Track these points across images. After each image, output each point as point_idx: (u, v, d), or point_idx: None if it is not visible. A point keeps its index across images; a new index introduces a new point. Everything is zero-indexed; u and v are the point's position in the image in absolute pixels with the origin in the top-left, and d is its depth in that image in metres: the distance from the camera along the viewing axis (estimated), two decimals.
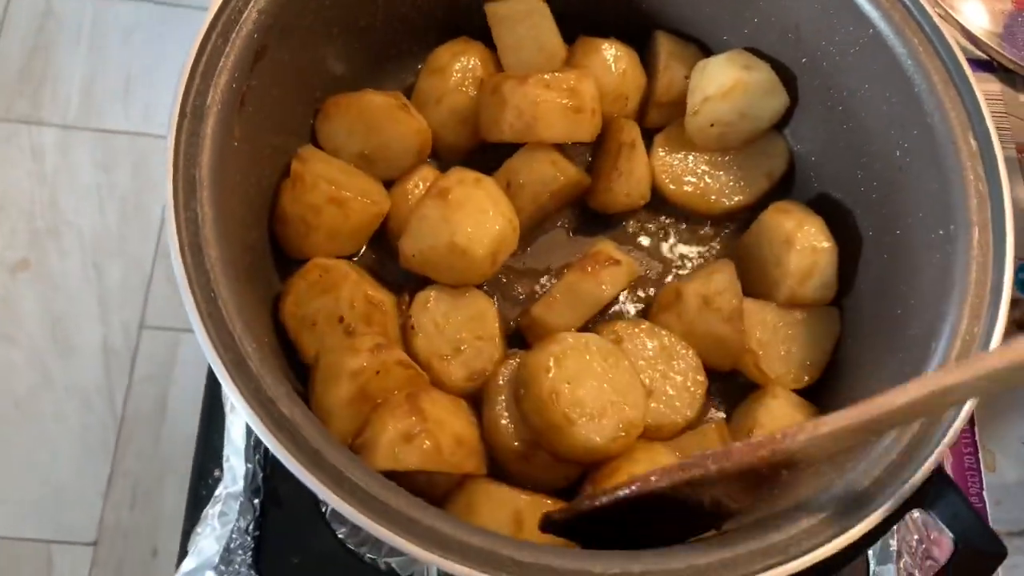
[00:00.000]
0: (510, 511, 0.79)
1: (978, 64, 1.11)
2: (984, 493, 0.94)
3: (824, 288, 0.93)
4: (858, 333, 0.90)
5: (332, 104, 0.94)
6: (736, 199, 1.00)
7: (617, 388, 0.82)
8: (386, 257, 0.97)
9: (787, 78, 0.96)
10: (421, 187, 0.95)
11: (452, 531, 0.65)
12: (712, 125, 0.95)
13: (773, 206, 0.95)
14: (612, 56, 0.99)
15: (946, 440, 0.71)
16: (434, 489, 0.82)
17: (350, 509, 0.64)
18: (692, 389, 0.89)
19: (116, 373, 1.99)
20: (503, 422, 0.85)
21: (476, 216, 0.88)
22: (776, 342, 0.92)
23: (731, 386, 0.95)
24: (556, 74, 0.92)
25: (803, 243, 0.91)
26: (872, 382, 0.84)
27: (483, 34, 1.00)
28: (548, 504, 0.81)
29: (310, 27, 0.86)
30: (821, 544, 0.67)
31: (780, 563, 0.66)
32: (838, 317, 0.94)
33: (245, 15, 0.77)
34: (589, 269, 0.91)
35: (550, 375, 0.80)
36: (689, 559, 0.67)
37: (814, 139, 0.98)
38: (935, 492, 0.71)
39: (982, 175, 0.78)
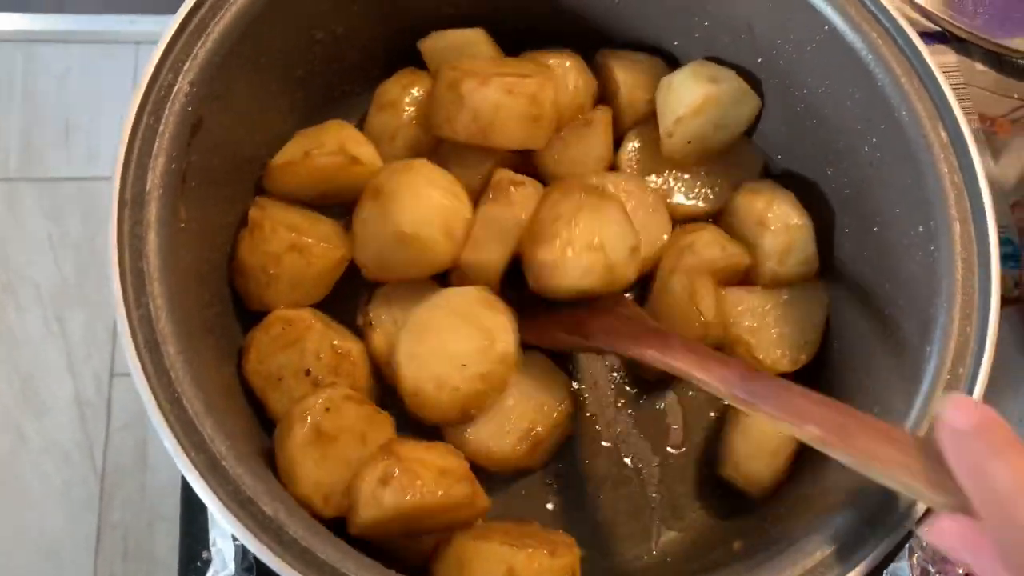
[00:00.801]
0: (504, 568, 0.75)
1: (931, 36, 1.09)
2: None
3: (804, 264, 0.92)
4: (850, 335, 0.88)
5: (277, 169, 0.90)
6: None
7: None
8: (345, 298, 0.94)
9: (749, 80, 0.93)
10: None
11: None
12: (689, 142, 0.93)
13: (743, 187, 0.94)
14: (563, 69, 0.95)
15: None
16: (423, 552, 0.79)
17: None
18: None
19: (92, 425, 1.96)
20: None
21: (413, 200, 0.85)
22: (767, 326, 0.90)
23: None
24: (519, 79, 0.87)
25: (776, 223, 0.90)
26: (868, 383, 0.82)
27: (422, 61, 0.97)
28: (544, 556, 0.78)
29: (247, 88, 0.82)
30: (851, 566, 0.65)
31: None
32: (824, 289, 0.92)
33: (176, 88, 0.73)
34: (496, 196, 0.88)
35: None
36: None
37: (780, 139, 0.95)
38: None
39: (956, 166, 0.76)
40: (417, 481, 0.73)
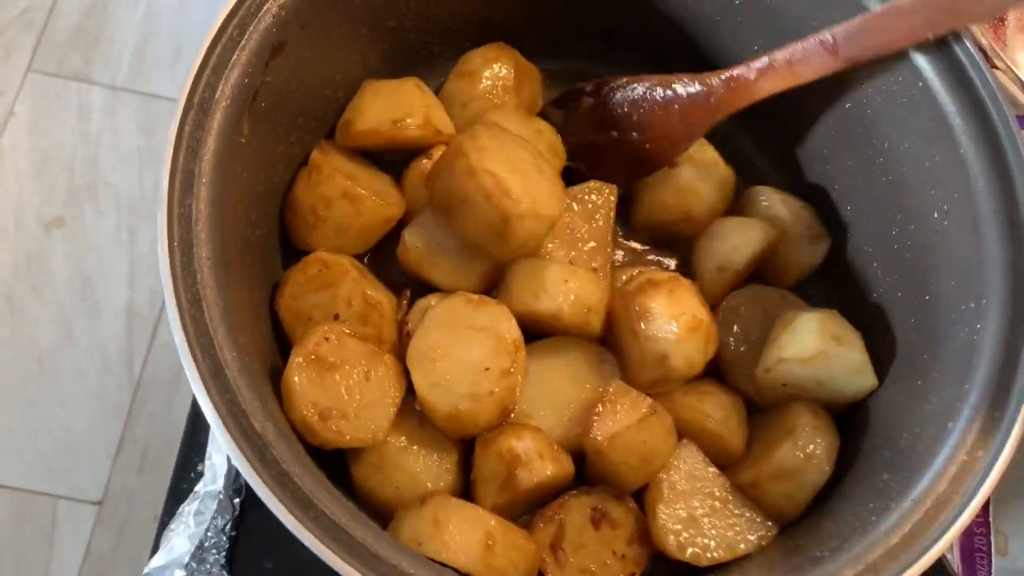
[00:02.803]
0: (481, 532, 0.76)
1: None
2: None
3: (789, 501, 0.83)
4: (877, 399, 0.85)
5: (360, 133, 0.90)
6: None
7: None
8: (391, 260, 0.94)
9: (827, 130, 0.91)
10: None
11: (414, 570, 0.62)
12: (784, 385, 0.85)
13: (806, 404, 0.85)
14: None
15: (954, 530, 0.67)
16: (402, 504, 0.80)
17: (309, 536, 0.61)
18: None
19: (138, 337, 1.99)
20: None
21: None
22: (689, 504, 0.83)
23: None
24: (505, 194, 0.81)
25: (804, 443, 0.82)
26: (888, 451, 0.79)
27: (518, 40, 0.97)
28: (517, 533, 0.79)
29: (335, 25, 0.83)
30: None
31: None
32: (769, 537, 0.82)
33: (265, 8, 0.74)
34: None
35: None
36: None
37: (851, 189, 0.93)
38: None
39: (1022, 249, 0.73)
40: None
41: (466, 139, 0.82)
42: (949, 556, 0.90)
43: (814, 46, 0.71)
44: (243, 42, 0.73)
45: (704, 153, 0.94)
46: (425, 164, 0.91)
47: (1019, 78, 1.02)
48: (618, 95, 0.81)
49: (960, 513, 0.66)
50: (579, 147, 0.92)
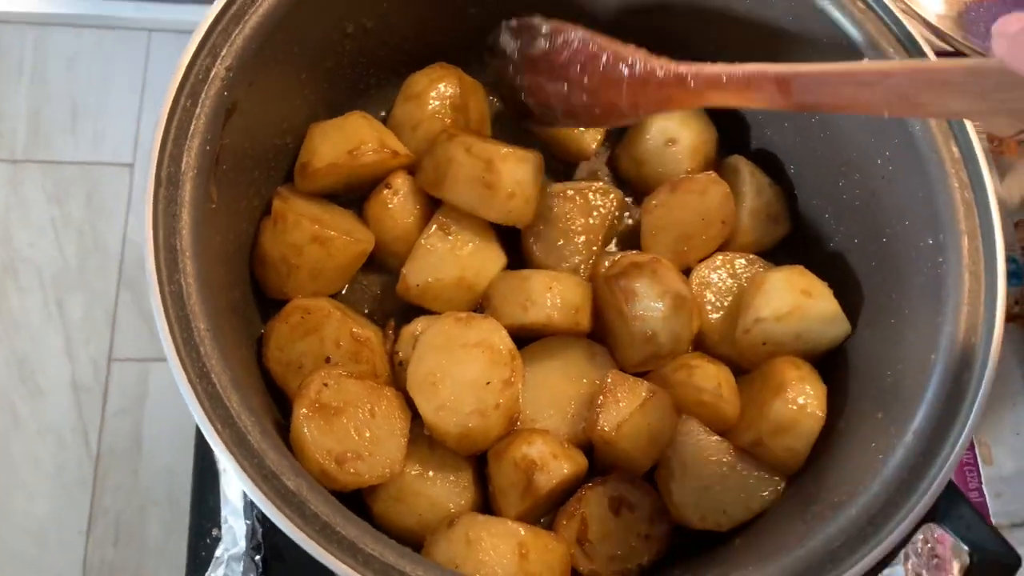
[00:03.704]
0: (513, 543, 0.78)
1: (943, 56, 1.11)
2: (984, 487, 0.95)
3: (791, 452, 0.86)
4: (856, 343, 0.90)
5: (320, 172, 0.91)
6: None
7: None
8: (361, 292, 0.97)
9: None
10: (399, 194, 0.94)
11: None
12: (764, 344, 0.89)
13: (785, 359, 0.88)
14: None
15: (957, 450, 0.71)
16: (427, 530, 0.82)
17: None
18: None
19: (88, 409, 1.95)
20: None
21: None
22: (698, 474, 0.86)
23: None
24: (485, 144, 0.89)
25: (793, 396, 0.85)
26: (874, 390, 0.84)
27: (457, 59, 0.98)
28: (547, 536, 0.81)
29: (279, 77, 0.84)
30: (846, 570, 0.67)
31: None
32: (779, 489, 0.86)
33: (213, 72, 0.74)
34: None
35: None
36: None
37: (793, 149, 0.97)
38: (946, 505, 0.71)
39: (967, 182, 0.78)
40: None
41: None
42: None
43: (769, 80, 0.69)
44: (198, 110, 0.73)
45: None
46: (386, 193, 0.92)
47: (922, 17, 1.08)
48: (569, 51, 0.81)
49: (960, 434, 0.71)
50: (528, 89, 0.89)
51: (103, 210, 2.08)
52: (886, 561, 0.70)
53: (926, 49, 0.81)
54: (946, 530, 0.71)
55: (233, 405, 0.67)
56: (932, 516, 0.70)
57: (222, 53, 0.75)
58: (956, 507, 0.71)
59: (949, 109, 0.63)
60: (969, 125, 0.79)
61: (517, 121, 0.91)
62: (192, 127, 0.72)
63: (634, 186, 1.04)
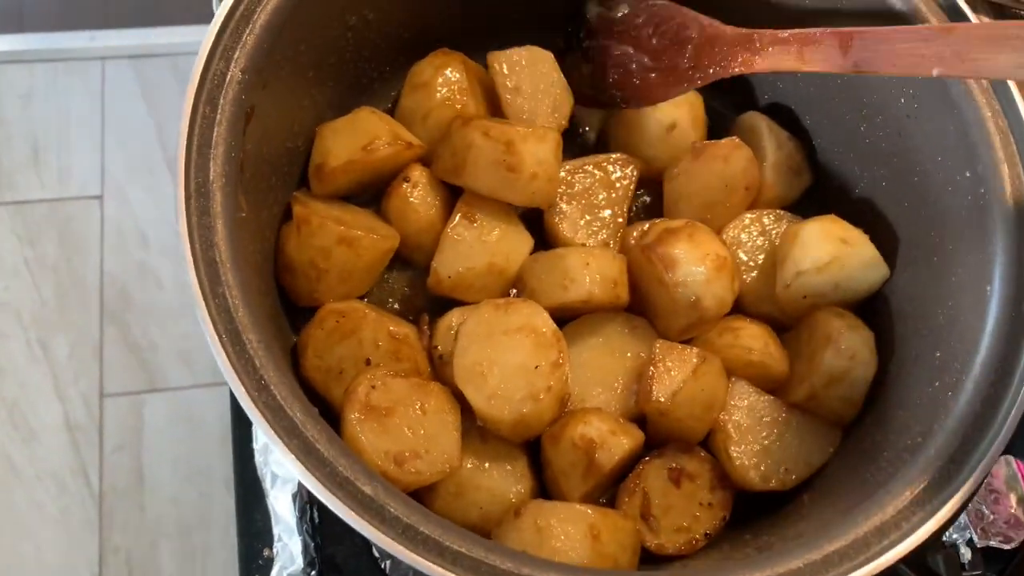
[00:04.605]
0: (584, 527, 0.77)
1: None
2: None
3: (846, 402, 0.86)
4: (893, 286, 0.89)
5: (337, 171, 0.89)
6: None
7: None
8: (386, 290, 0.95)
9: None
10: (419, 187, 0.92)
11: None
12: (805, 297, 0.88)
13: (828, 309, 0.88)
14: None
15: None
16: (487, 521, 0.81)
17: None
18: None
19: (85, 448, 1.92)
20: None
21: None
22: (757, 433, 0.86)
23: None
24: (503, 126, 0.87)
25: (843, 345, 0.84)
26: (923, 329, 0.83)
27: (457, 45, 0.96)
28: (615, 515, 0.80)
29: (289, 77, 0.81)
30: (936, 510, 0.66)
31: (895, 542, 0.65)
32: (837, 440, 0.87)
33: (229, 76, 0.72)
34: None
35: None
36: (789, 563, 0.65)
37: (809, 97, 0.96)
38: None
39: (999, 110, 0.78)
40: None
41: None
42: None
43: (830, 37, 0.71)
44: (218, 116, 0.70)
45: None
46: (405, 187, 0.90)
47: None
48: (646, 14, 0.83)
49: None
50: (595, 51, 0.90)
51: (76, 245, 2.05)
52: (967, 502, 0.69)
53: (970, 14, 0.81)
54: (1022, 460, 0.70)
55: (296, 415, 0.64)
56: (1011, 449, 0.70)
57: (235, 55, 0.72)
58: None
59: (998, 65, 0.64)
60: None
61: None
62: (215, 135, 0.70)
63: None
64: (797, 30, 0.74)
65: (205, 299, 0.65)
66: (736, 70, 0.77)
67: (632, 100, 0.86)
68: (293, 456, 0.62)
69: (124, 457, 1.92)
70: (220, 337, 0.64)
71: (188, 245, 0.66)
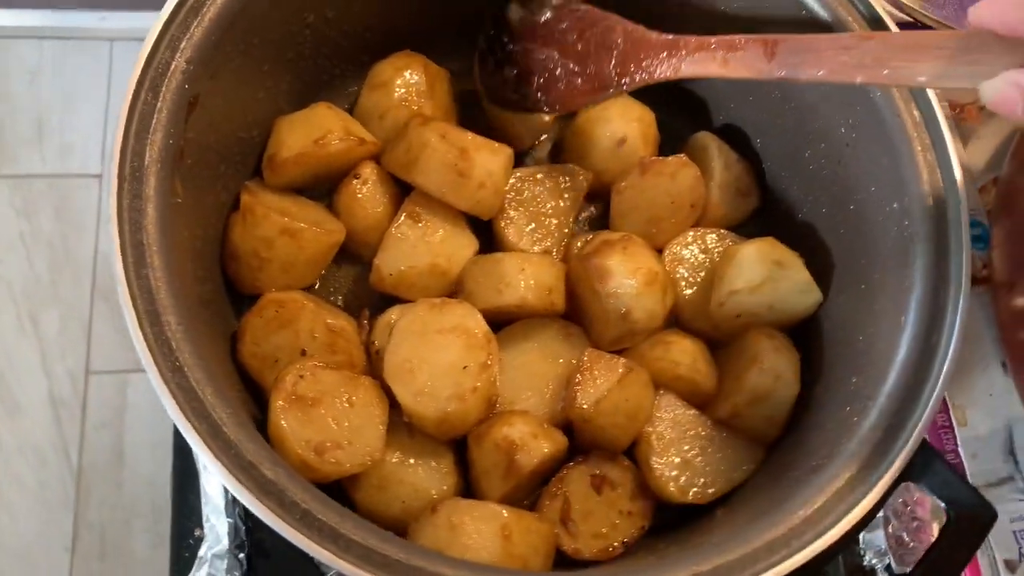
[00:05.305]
0: (496, 526, 0.78)
1: (902, 26, 1.12)
2: (960, 448, 0.96)
3: (768, 422, 0.88)
4: (830, 310, 0.90)
5: (289, 162, 0.90)
6: None
7: None
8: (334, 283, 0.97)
9: None
10: (368, 184, 0.94)
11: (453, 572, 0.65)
12: (738, 316, 0.90)
13: (759, 330, 0.89)
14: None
15: (929, 410, 0.72)
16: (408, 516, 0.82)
17: (350, 567, 0.62)
18: None
19: (67, 424, 1.94)
20: None
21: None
22: (680, 445, 0.87)
23: None
24: (460, 132, 0.89)
25: (768, 365, 0.86)
26: (848, 354, 0.84)
27: (421, 47, 0.98)
28: (530, 517, 0.81)
29: (241, 69, 0.83)
30: (822, 533, 0.68)
31: (785, 557, 0.67)
32: (759, 458, 0.88)
33: (173, 66, 0.74)
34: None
35: None
36: (691, 567, 0.67)
37: (758, 121, 0.98)
38: (922, 464, 0.72)
39: (929, 144, 0.79)
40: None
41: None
42: None
43: (754, 43, 0.72)
44: (159, 104, 0.72)
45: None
46: (355, 183, 0.92)
47: None
48: (571, 19, 0.83)
49: (932, 394, 0.72)
50: (518, 55, 0.90)
51: (73, 222, 2.07)
52: (865, 522, 0.70)
53: (890, 24, 0.82)
54: (923, 488, 0.72)
55: (207, 398, 0.66)
56: (909, 475, 0.71)
57: (181, 46, 0.74)
58: (932, 465, 0.71)
59: (917, 73, 0.65)
60: (930, 90, 0.80)
61: (488, 99, 0.91)
62: (154, 121, 0.72)
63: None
64: (722, 36, 0.75)
65: (128, 279, 0.67)
66: (662, 76, 0.77)
67: (557, 104, 0.87)
68: (198, 436, 0.64)
69: (105, 435, 1.94)
70: (138, 317, 0.66)
71: (116, 226, 0.68)
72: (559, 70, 0.83)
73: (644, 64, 0.78)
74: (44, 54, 2.22)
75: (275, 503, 0.64)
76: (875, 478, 0.69)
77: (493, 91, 0.92)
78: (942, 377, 0.72)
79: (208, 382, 0.67)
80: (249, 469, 0.65)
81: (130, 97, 0.71)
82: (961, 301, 0.74)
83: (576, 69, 0.82)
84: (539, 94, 0.86)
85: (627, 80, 0.80)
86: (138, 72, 0.72)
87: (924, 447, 0.72)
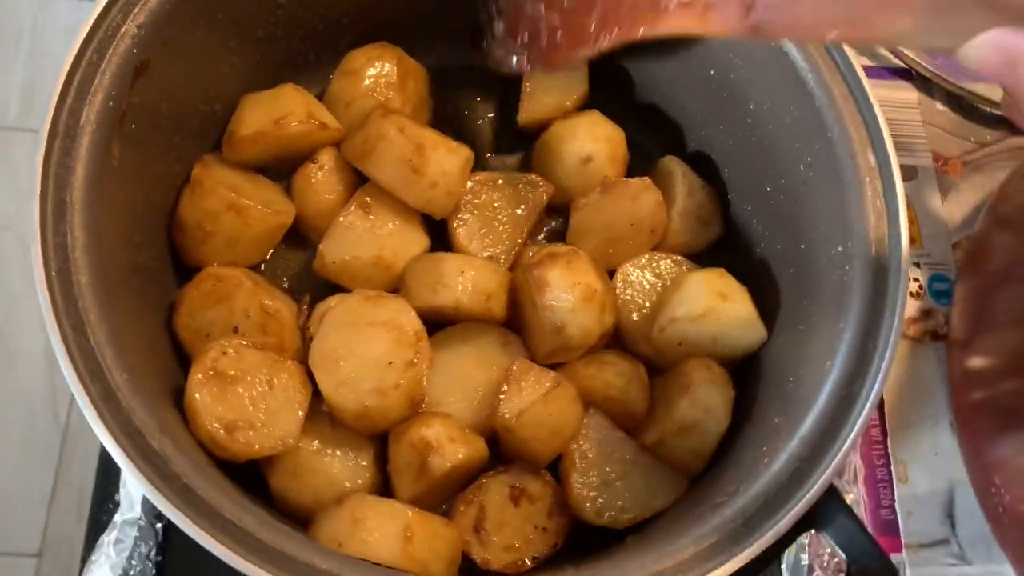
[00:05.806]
0: (399, 526, 0.77)
1: (896, 72, 1.10)
2: (896, 505, 0.93)
3: (694, 454, 0.86)
4: (767, 349, 0.89)
5: (246, 140, 0.90)
6: None
7: None
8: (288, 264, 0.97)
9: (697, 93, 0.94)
10: (324, 170, 0.93)
11: (327, 566, 0.63)
12: (679, 344, 0.88)
13: (698, 360, 0.87)
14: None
15: (838, 459, 0.70)
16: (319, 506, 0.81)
17: (219, 546, 0.62)
18: None
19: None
20: None
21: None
22: (601, 468, 0.85)
23: None
24: (420, 128, 0.89)
25: (699, 397, 0.84)
26: (783, 391, 0.83)
27: (399, 40, 0.98)
28: (436, 521, 0.80)
29: (201, 40, 0.83)
30: (709, 571, 0.66)
31: None
32: (682, 490, 0.85)
33: (123, 30, 0.74)
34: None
35: None
36: None
37: (727, 150, 0.96)
38: (828, 514, 0.70)
39: (880, 191, 0.77)
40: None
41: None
42: (851, 487, 0.94)
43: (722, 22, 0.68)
44: (103, 66, 0.73)
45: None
46: (311, 168, 0.92)
47: None
48: None
49: (844, 443, 0.70)
50: (507, 10, 0.86)
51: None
52: (761, 565, 0.68)
53: (854, 61, 0.81)
54: (826, 538, 0.70)
55: (105, 360, 0.66)
56: (812, 524, 0.69)
57: (135, 11, 0.75)
58: (837, 517, 0.69)
59: (895, 28, 0.62)
60: (887, 135, 0.79)
61: (478, 57, 0.88)
62: (96, 82, 0.72)
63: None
64: None
65: (43, 236, 0.67)
66: (639, 31, 0.75)
67: (538, 61, 0.85)
68: (87, 399, 0.64)
69: None
70: (47, 274, 0.66)
71: (39, 181, 0.68)
72: (543, 24, 0.81)
73: (624, 19, 0.75)
74: (82, 14, 2.25)
75: (155, 473, 0.64)
76: (772, 523, 0.67)
77: (485, 48, 0.88)
78: (857, 426, 0.70)
79: (110, 343, 0.67)
80: (134, 436, 0.65)
81: (74, 56, 0.72)
82: (889, 350, 0.72)
83: (560, 22, 0.80)
84: (523, 48, 0.84)
85: (607, 35, 0.78)
86: (85, 31, 0.73)
87: (833, 496, 0.70)
